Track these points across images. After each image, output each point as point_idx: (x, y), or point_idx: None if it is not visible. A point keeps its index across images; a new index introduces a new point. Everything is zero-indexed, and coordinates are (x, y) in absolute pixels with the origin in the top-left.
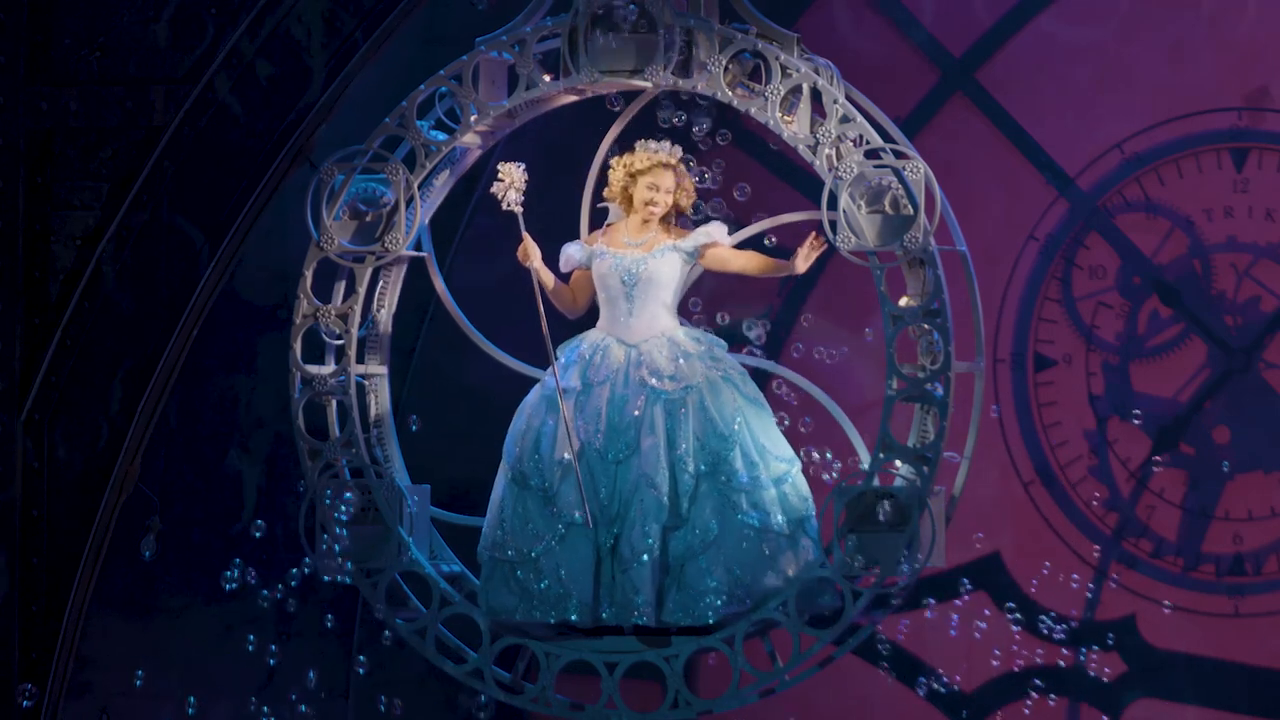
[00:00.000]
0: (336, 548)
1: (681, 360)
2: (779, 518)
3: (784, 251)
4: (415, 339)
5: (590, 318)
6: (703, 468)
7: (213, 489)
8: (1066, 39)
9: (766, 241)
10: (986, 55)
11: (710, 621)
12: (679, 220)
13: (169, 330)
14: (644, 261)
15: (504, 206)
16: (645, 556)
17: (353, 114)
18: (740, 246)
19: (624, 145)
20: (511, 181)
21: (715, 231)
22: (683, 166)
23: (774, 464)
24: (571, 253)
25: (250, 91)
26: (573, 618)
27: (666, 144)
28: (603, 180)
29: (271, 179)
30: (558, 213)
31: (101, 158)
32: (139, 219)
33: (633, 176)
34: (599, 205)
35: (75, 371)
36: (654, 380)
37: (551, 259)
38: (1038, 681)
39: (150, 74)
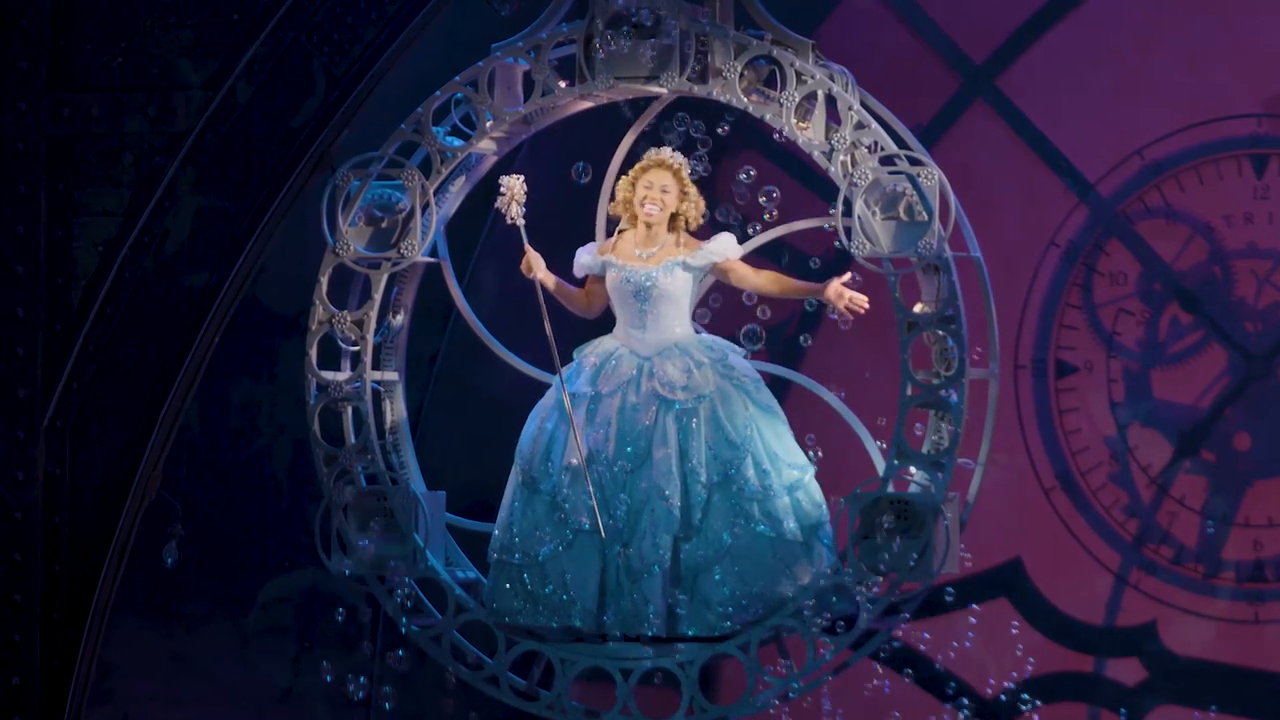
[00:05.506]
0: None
1: (694, 370)
2: (792, 525)
3: (800, 256)
4: (437, 346)
5: (608, 316)
6: (715, 478)
7: (234, 496)
8: (1087, 45)
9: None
10: (1007, 62)
11: (722, 631)
12: (688, 231)
13: (191, 337)
14: (653, 277)
15: (508, 220)
16: (656, 567)
17: (375, 120)
18: (754, 254)
19: (637, 155)
20: (513, 195)
21: (725, 248)
22: (687, 177)
23: (786, 471)
24: (584, 260)
25: (272, 98)
26: (577, 624)
27: (668, 150)
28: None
29: (293, 186)
30: (574, 220)
31: (123, 164)
32: (160, 225)
33: (633, 182)
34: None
35: (97, 378)
36: (666, 390)
37: (566, 265)
38: (1058, 688)
39: (172, 80)
